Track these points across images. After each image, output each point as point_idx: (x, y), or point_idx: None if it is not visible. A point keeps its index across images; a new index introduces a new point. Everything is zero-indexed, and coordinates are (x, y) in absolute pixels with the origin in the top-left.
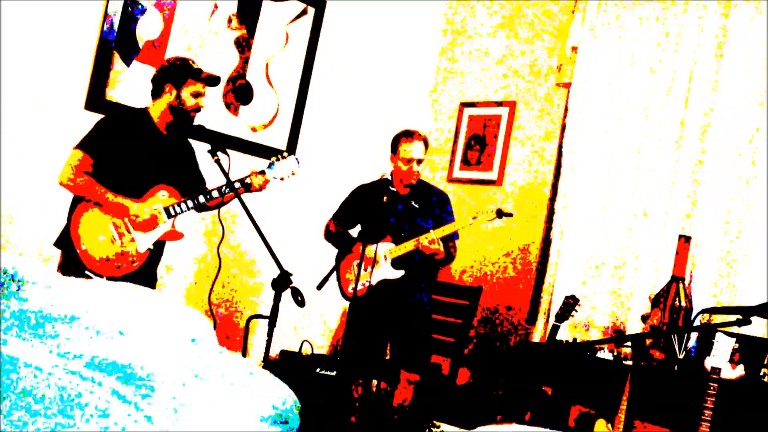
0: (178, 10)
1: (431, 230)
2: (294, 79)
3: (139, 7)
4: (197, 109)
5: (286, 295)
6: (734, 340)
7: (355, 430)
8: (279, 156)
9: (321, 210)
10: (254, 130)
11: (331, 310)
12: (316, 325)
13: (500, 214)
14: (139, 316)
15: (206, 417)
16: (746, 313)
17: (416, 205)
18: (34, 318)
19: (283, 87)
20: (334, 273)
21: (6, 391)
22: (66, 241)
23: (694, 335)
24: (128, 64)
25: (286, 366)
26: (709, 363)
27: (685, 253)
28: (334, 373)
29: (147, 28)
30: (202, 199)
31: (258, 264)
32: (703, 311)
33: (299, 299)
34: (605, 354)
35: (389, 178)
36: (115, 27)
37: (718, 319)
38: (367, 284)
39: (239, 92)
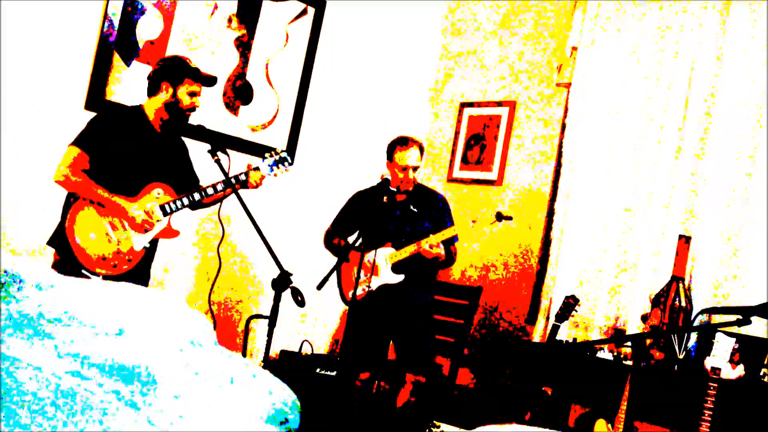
0: (178, 10)
1: (431, 234)
2: (294, 79)
3: (139, 7)
4: (193, 108)
5: (286, 295)
6: (734, 340)
7: (355, 430)
8: (272, 152)
9: (321, 209)
10: (254, 130)
11: (331, 310)
12: (316, 325)
13: (500, 217)
14: (139, 316)
15: (206, 417)
16: (746, 313)
17: (415, 210)
18: (34, 318)
19: (283, 87)
20: (335, 277)
21: (6, 391)
22: (60, 240)
23: (694, 335)
24: (128, 64)
25: (286, 366)
26: (709, 363)
27: (685, 253)
28: (334, 373)
29: (147, 28)
30: (197, 196)
31: (258, 264)
32: (703, 311)
33: (299, 299)
34: (605, 354)
35: (388, 179)
36: (115, 27)
37: (718, 319)
38: (367, 290)
39: (239, 92)
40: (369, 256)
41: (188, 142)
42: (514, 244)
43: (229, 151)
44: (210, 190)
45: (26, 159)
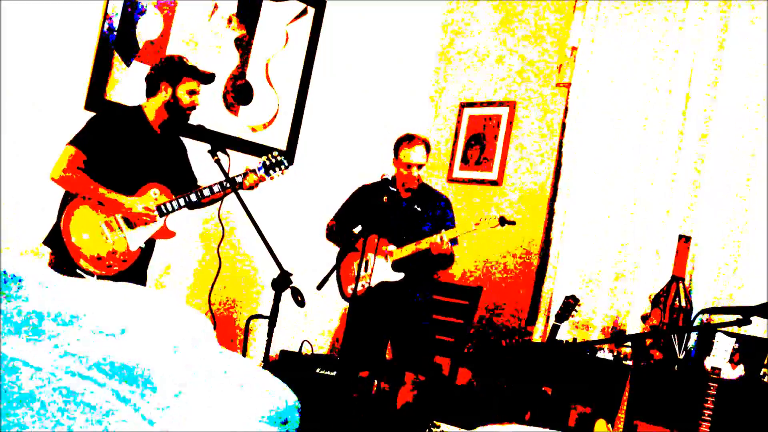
0: (178, 10)
1: (443, 231)
2: (294, 79)
3: (139, 7)
4: (193, 107)
5: (286, 295)
6: (734, 340)
7: (355, 430)
8: (270, 155)
9: (321, 210)
10: (254, 130)
11: (331, 310)
12: (316, 325)
13: (503, 221)
14: (139, 316)
15: (206, 417)
16: (746, 313)
17: (418, 209)
18: (34, 318)
19: (283, 87)
20: (334, 273)
21: (6, 391)
22: (57, 240)
23: (694, 335)
24: (128, 64)
25: (286, 366)
26: (709, 363)
27: (685, 253)
28: (334, 373)
29: (147, 28)
30: (194, 197)
31: (258, 264)
32: (703, 311)
33: (299, 299)
34: (605, 354)
35: (389, 178)
36: (115, 27)
37: (717, 319)
38: (366, 286)
39: (239, 92)
40: (369, 254)
41: (188, 142)
42: (514, 244)
43: (229, 151)
44: (206, 192)
45: (26, 159)
